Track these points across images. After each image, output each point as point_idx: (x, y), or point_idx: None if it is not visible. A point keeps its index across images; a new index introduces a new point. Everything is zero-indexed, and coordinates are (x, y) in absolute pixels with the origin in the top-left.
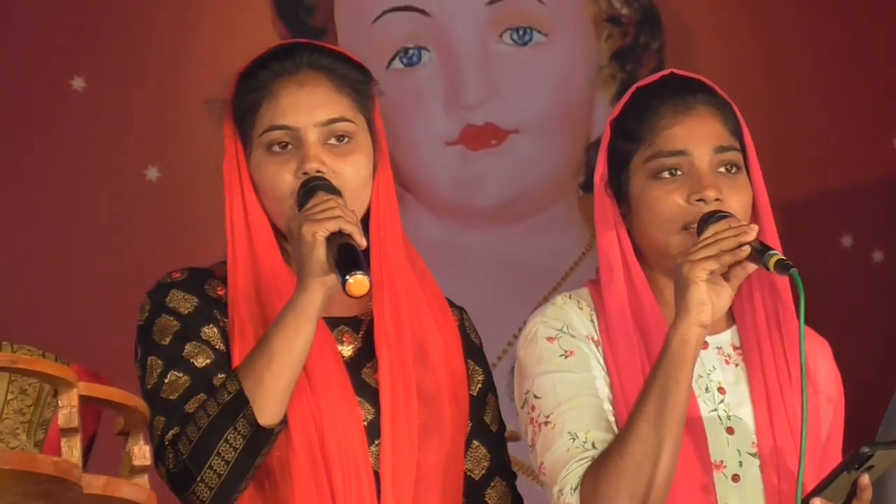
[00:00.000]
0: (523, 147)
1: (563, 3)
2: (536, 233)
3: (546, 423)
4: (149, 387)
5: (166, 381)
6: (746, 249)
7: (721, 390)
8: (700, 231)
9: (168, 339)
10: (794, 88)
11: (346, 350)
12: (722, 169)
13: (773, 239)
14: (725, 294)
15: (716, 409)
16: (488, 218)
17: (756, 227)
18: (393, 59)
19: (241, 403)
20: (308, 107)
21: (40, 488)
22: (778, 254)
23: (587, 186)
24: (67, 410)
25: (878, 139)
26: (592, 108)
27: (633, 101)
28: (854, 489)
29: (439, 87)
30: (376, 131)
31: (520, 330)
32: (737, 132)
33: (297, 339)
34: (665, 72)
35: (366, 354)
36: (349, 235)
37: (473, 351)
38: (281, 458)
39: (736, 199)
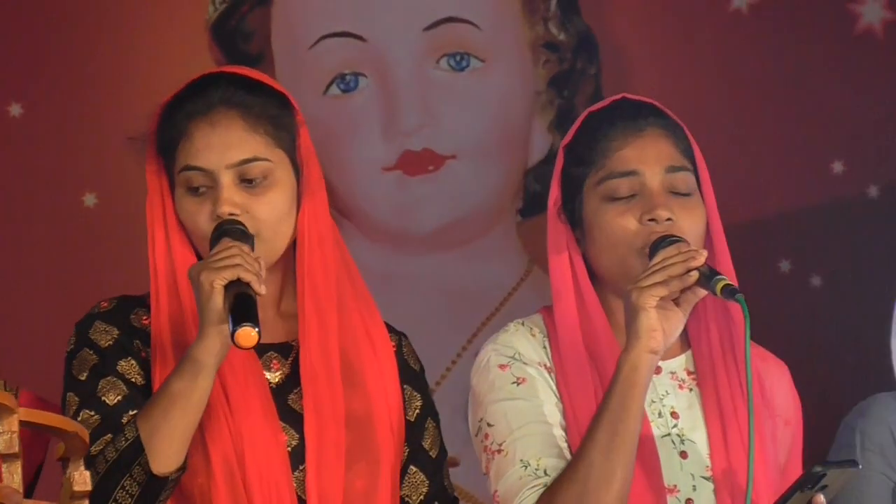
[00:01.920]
0: (461, 173)
1: (500, 29)
2: (475, 258)
3: (499, 451)
4: None
5: (79, 419)
6: (695, 275)
7: (674, 415)
8: (651, 256)
9: (85, 375)
10: (731, 113)
11: (274, 376)
12: (674, 190)
13: (725, 260)
14: (676, 319)
15: (668, 434)
16: (426, 243)
17: (705, 252)
18: (330, 84)
19: (136, 451)
20: (220, 148)
21: None
22: (725, 279)
23: (525, 212)
24: (7, 436)
25: (817, 164)
26: (530, 133)
27: (585, 125)
28: None
29: (376, 113)
30: (300, 161)
31: (458, 356)
32: (688, 153)
33: (194, 389)
34: (617, 96)
35: (293, 380)
36: (248, 284)
37: (411, 376)
38: (202, 485)
39: (688, 221)
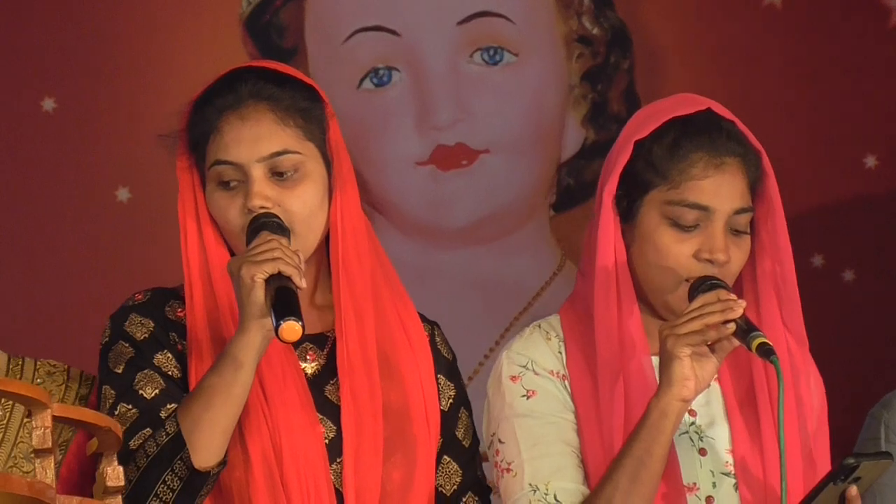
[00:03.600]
0: (494, 167)
1: (533, 23)
2: (508, 253)
3: (508, 470)
4: None
5: (116, 413)
6: (732, 326)
7: (691, 412)
8: (690, 297)
9: (121, 368)
10: (764, 107)
11: (310, 367)
12: (734, 228)
13: (794, 305)
14: (710, 366)
15: (686, 432)
16: (459, 238)
17: (743, 304)
18: (363, 79)
19: (178, 446)
20: (250, 141)
21: None
22: (762, 336)
23: (558, 206)
24: (41, 431)
25: (850, 159)
26: (563, 127)
27: (666, 131)
28: (842, 501)
29: (410, 107)
30: (331, 154)
31: (491, 350)
32: (756, 184)
33: (235, 383)
34: (703, 106)
35: (330, 371)
36: (288, 278)
37: (444, 366)
38: (239, 479)
39: (738, 261)
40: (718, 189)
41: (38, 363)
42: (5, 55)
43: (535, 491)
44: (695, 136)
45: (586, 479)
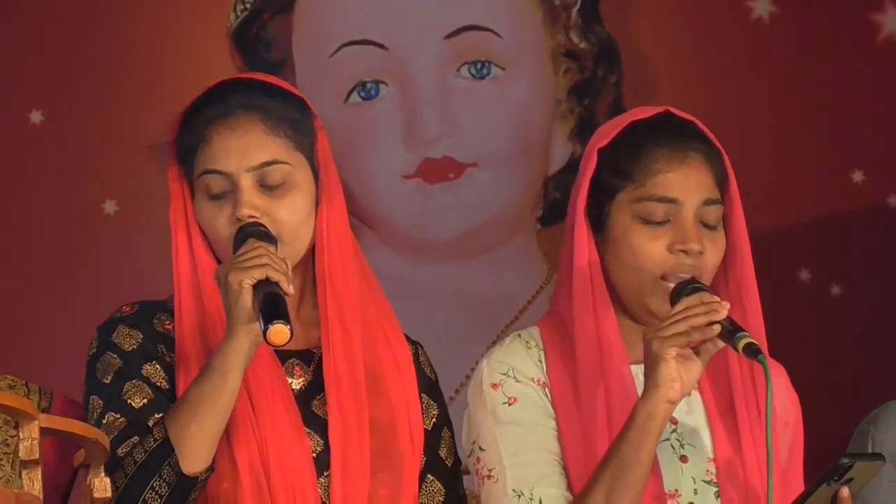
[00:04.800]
0: (481, 181)
1: (521, 38)
2: (494, 266)
3: (489, 477)
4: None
5: (104, 422)
6: (717, 328)
7: (672, 420)
8: (673, 301)
9: (109, 378)
10: (752, 122)
11: (297, 383)
12: (705, 222)
13: (756, 310)
14: (695, 369)
15: (668, 439)
16: (446, 251)
17: (727, 305)
18: (351, 92)
19: (166, 451)
20: (239, 151)
21: None
22: (747, 336)
23: (545, 220)
24: (28, 443)
25: (837, 174)
26: (550, 141)
27: (627, 135)
28: (834, 502)
29: (397, 121)
30: (318, 165)
31: (477, 363)
32: (722, 184)
33: (223, 388)
34: (661, 109)
35: (317, 387)
36: (276, 283)
37: (428, 386)
38: (227, 490)
39: (714, 254)
40: (685, 181)
41: None
42: None
43: (519, 496)
44: (655, 134)
45: (569, 486)
